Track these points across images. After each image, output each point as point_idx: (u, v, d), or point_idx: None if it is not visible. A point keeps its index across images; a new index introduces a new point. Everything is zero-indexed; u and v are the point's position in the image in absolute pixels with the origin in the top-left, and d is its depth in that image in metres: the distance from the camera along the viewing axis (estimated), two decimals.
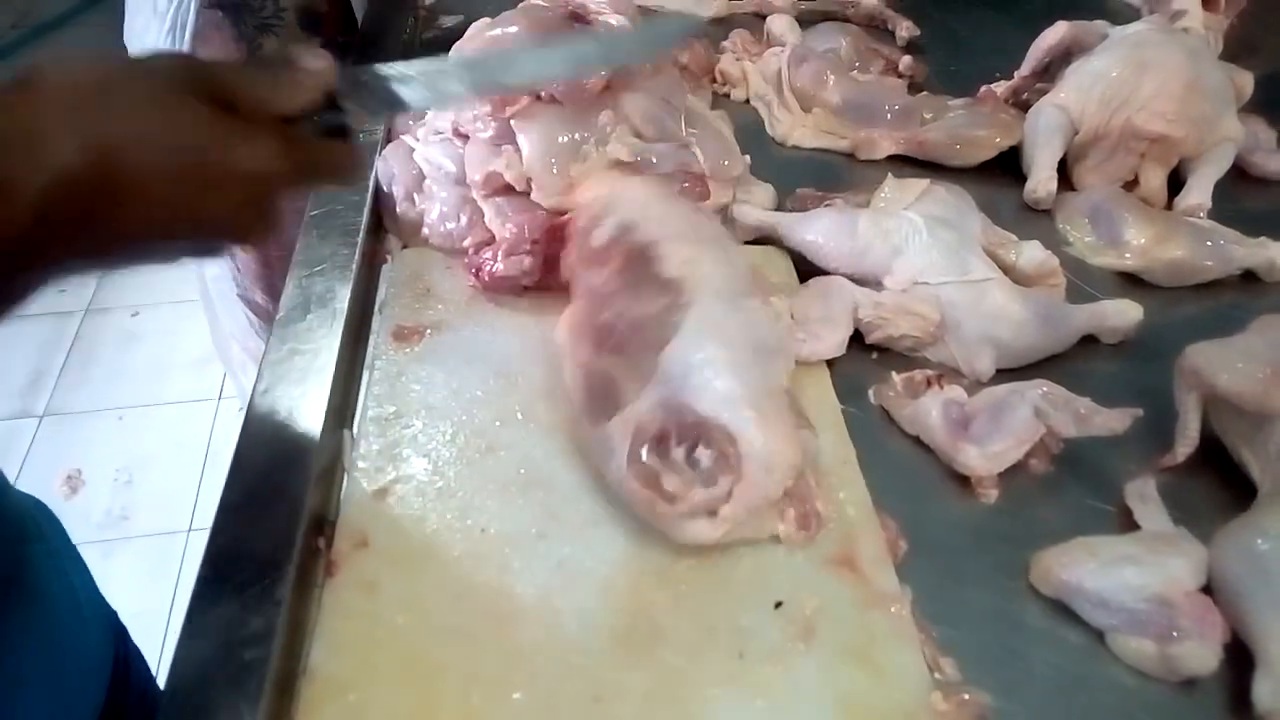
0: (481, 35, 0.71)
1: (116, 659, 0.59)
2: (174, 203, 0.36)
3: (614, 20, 0.64)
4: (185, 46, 0.85)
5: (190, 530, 1.53)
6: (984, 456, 0.53)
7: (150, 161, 0.35)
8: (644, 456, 0.47)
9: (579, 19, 0.66)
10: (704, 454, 0.47)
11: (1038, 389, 0.55)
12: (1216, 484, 0.53)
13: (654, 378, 0.49)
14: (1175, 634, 0.44)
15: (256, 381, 0.53)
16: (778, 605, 0.45)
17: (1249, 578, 0.45)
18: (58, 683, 0.53)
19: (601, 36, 0.61)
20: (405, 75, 0.43)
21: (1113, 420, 0.52)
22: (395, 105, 0.44)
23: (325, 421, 0.51)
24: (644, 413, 0.48)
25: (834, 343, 0.59)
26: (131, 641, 0.64)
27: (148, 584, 1.43)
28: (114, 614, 0.62)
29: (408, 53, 0.89)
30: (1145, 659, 0.45)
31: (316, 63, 0.40)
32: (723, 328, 0.50)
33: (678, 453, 0.47)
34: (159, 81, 0.36)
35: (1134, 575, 0.46)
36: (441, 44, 0.81)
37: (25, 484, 0.59)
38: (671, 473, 0.46)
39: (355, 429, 0.53)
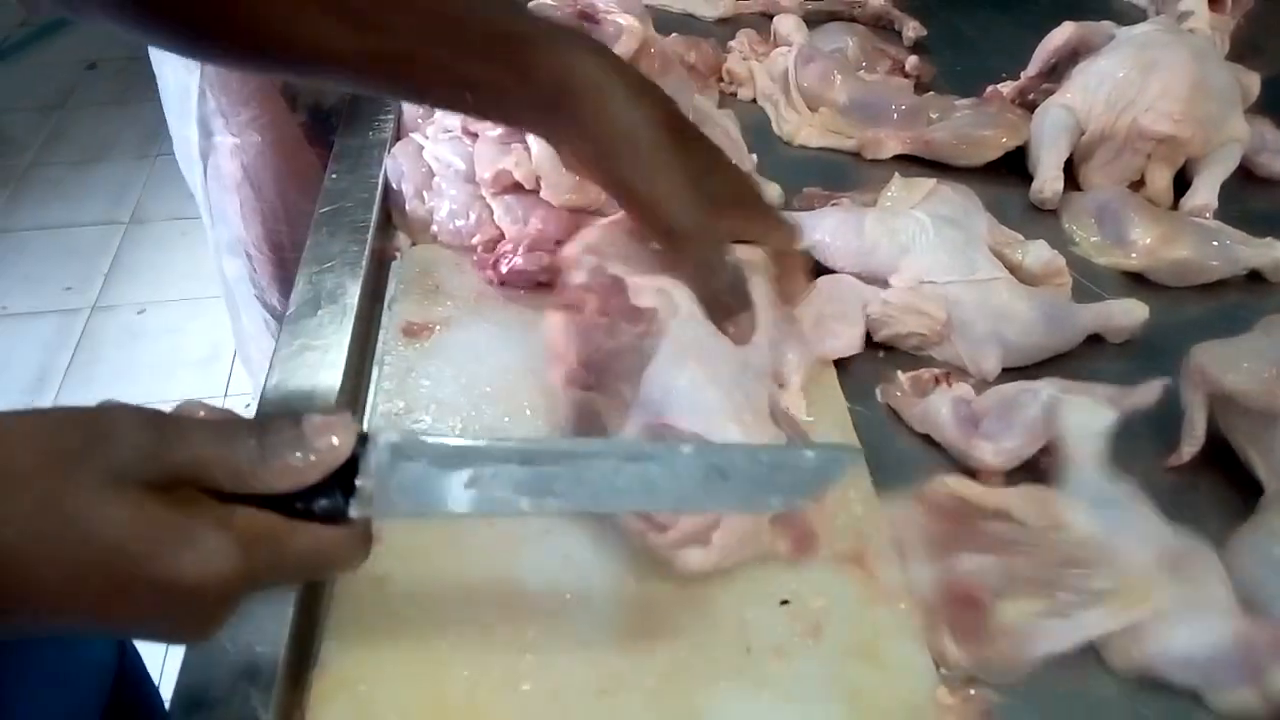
0: None
1: (119, 655, 0.59)
2: (74, 611, 0.31)
3: (623, 20, 0.64)
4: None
5: None
6: (997, 452, 0.53)
7: (44, 572, 0.29)
8: None
9: (588, 18, 0.66)
10: None
11: (1050, 386, 0.55)
12: (1223, 483, 0.53)
13: (634, 404, 0.48)
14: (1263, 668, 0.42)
15: (267, 376, 0.54)
16: (783, 603, 0.46)
17: (1269, 582, 0.45)
18: (61, 680, 0.54)
19: (726, 463, 0.38)
20: (443, 463, 0.34)
21: (1146, 394, 0.52)
22: (421, 506, 0.35)
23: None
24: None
25: (850, 339, 0.59)
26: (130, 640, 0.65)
27: None
28: None
29: None
30: (1249, 706, 0.42)
31: (330, 441, 0.33)
32: (700, 347, 0.48)
33: None
34: (90, 463, 0.30)
35: (1202, 629, 0.44)
36: None
37: None
38: None
39: (365, 424, 0.54)
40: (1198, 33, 0.84)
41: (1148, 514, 0.48)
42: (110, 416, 0.31)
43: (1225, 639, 0.43)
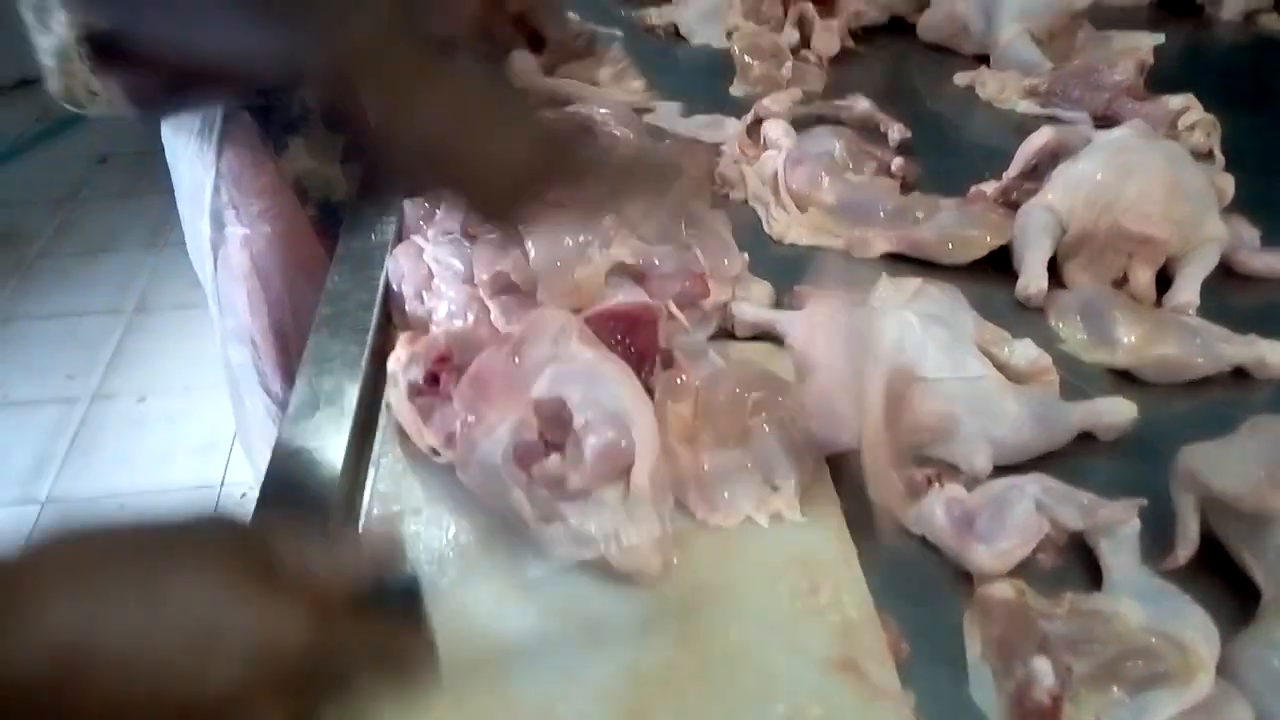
0: None
1: None
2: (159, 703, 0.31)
3: (619, 132, 0.67)
4: (213, 146, 0.89)
5: None
6: (994, 555, 0.52)
7: (132, 663, 0.31)
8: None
9: (586, 129, 0.69)
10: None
11: (1036, 483, 0.55)
12: (1220, 586, 0.53)
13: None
14: None
15: (264, 477, 0.54)
16: None
17: (1270, 695, 0.44)
18: None
19: None
20: None
21: (1118, 512, 0.52)
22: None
23: (330, 521, 0.51)
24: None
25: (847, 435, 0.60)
26: None
27: None
28: None
29: None
30: None
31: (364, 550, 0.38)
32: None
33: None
34: (176, 551, 0.34)
35: None
36: None
37: None
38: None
39: (360, 525, 0.54)
40: (1197, 126, 0.87)
41: (1190, 603, 0.48)
42: (187, 522, 0.37)
43: None
